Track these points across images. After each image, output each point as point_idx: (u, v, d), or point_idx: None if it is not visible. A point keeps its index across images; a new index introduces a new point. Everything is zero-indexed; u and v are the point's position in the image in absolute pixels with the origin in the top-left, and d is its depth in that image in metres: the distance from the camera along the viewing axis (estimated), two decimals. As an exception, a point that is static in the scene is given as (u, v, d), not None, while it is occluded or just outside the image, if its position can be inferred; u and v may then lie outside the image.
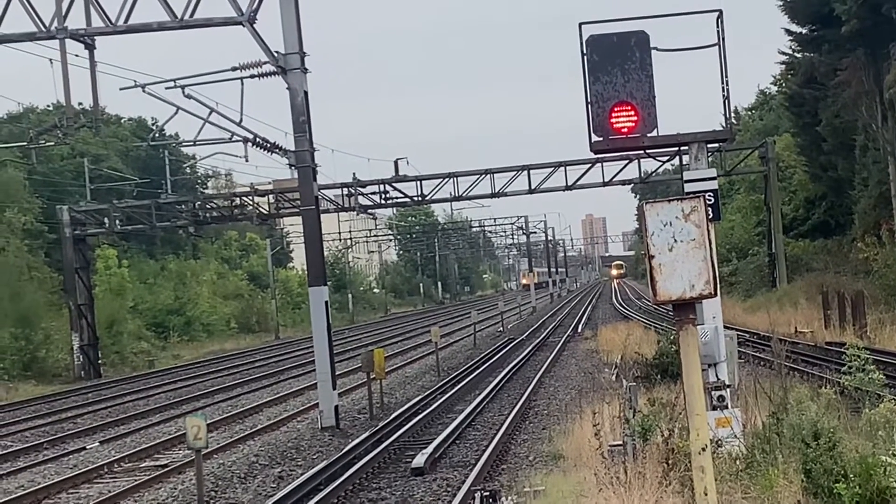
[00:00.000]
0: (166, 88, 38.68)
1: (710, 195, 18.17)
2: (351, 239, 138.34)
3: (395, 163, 70.63)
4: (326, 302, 35.53)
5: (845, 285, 54.25)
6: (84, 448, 34.89)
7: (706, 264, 9.57)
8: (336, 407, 34.88)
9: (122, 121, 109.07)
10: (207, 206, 76.45)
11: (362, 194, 71.45)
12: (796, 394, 14.95)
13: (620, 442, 18.15)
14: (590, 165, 68.89)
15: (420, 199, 72.95)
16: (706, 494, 9.89)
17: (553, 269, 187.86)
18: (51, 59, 40.90)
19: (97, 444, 35.72)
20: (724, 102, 19.13)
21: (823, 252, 74.84)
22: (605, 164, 68.82)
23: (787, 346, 37.53)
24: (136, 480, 27.51)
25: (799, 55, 74.70)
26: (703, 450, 9.81)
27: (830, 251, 73.54)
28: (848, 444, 12.28)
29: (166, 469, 28.73)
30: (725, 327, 22.64)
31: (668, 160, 68.74)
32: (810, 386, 22.16)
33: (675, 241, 9.53)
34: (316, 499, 22.37)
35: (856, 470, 11.82)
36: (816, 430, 12.03)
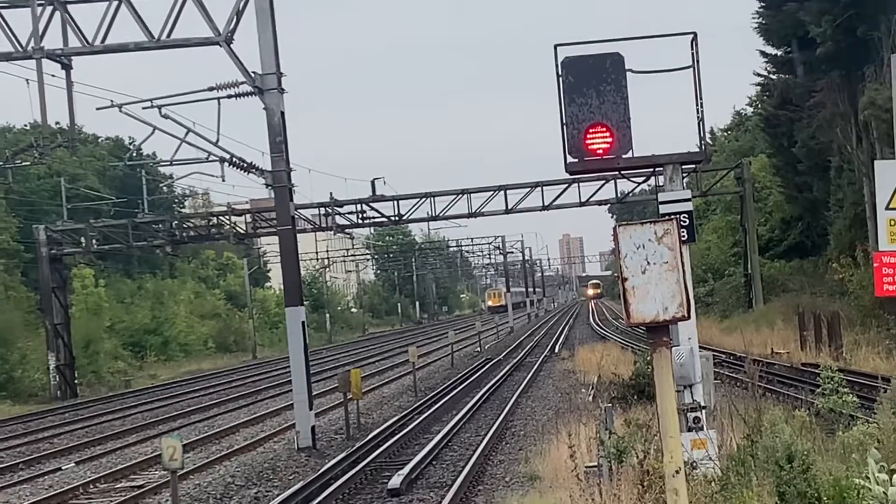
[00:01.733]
0: (143, 108, 38.61)
1: (685, 216, 18.25)
2: (328, 258, 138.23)
3: (372, 183, 70.76)
4: (303, 322, 35.50)
5: (821, 306, 54.42)
6: (60, 469, 34.79)
7: (679, 287, 9.59)
8: (313, 427, 34.83)
9: (99, 140, 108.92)
10: (184, 226, 76.35)
11: (339, 214, 71.44)
12: (770, 416, 14.98)
13: (596, 463, 18.18)
14: (566, 186, 69.02)
15: (397, 218, 72.98)
16: (680, 516, 9.89)
17: (531, 289, 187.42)
18: (27, 79, 40.83)
19: (73, 464, 35.61)
20: (699, 124, 19.20)
21: (799, 273, 75.07)
22: (581, 184, 69.01)
23: (762, 367, 37.66)
24: (111, 501, 27.43)
25: (774, 77, 75.06)
26: (677, 472, 9.82)
27: (806, 272, 73.77)
28: (822, 467, 12.31)
29: (142, 490, 28.65)
30: (701, 348, 22.69)
31: (643, 181, 68.92)
32: (785, 408, 22.22)
33: (649, 263, 9.55)
34: (292, 520, 22.33)
35: (829, 493, 11.86)
36: (790, 452, 12.06)
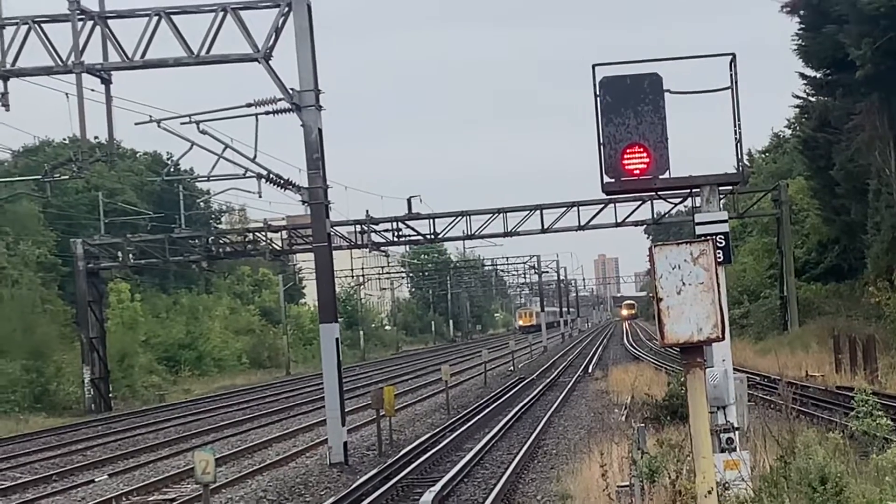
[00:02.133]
0: (181, 124, 38.87)
1: (720, 238, 18.21)
2: (363, 276, 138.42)
3: (409, 200, 70.87)
4: (337, 339, 35.57)
5: (857, 329, 54.16)
6: (93, 481, 34.93)
7: (714, 307, 9.60)
8: (345, 443, 34.88)
9: (138, 155, 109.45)
10: (221, 241, 76.61)
11: (375, 231, 71.57)
12: (804, 437, 14.95)
13: (628, 483, 18.16)
14: (602, 206, 68.98)
15: (433, 236, 73.05)
16: (712, 537, 9.89)
17: (564, 309, 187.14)
18: (67, 93, 41.15)
19: (106, 476, 35.76)
20: (737, 145, 19.16)
21: (835, 296, 74.76)
22: (617, 204, 68.89)
23: (797, 390, 37.51)
24: (144, 514, 27.52)
25: (813, 99, 74.88)
26: (710, 493, 9.83)
27: (842, 295, 73.45)
28: (855, 489, 12.27)
29: (174, 503, 28.72)
30: (736, 370, 22.63)
31: (680, 202, 68.81)
32: (819, 430, 22.15)
33: (684, 283, 9.57)
34: (323, 535, 22.36)
35: (862, 515, 11.83)
36: (824, 474, 12.04)
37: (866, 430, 21.23)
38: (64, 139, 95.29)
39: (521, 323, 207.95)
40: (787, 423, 17.33)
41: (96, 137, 64.75)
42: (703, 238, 10.52)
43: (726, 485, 15.73)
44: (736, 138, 19.05)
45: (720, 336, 9.66)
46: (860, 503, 12.00)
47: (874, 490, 12.61)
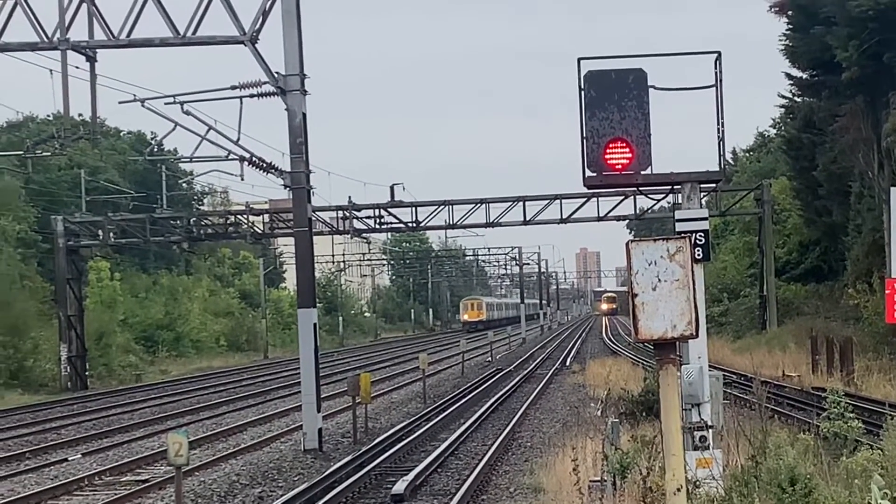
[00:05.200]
0: (165, 104, 38.67)
1: (700, 235, 18.24)
2: (344, 262, 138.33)
3: (391, 188, 70.76)
4: (315, 324, 35.52)
5: (835, 331, 54.30)
6: (66, 459, 34.84)
7: (689, 305, 9.58)
8: (320, 430, 34.86)
9: (121, 134, 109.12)
10: (202, 223, 76.47)
11: (357, 218, 71.51)
12: (775, 438, 14.96)
13: (600, 478, 18.17)
14: (585, 200, 69.00)
15: (414, 225, 73.03)
16: (680, 535, 9.88)
17: (545, 301, 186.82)
18: (51, 70, 40.94)
19: (79, 456, 35.66)
20: (720, 143, 19.19)
21: (815, 297, 74.93)
22: (600, 199, 68.90)
23: (772, 390, 37.61)
24: (115, 494, 27.44)
25: (798, 99, 74.99)
26: (679, 490, 9.81)
27: (822, 296, 73.62)
28: (824, 491, 12.27)
29: (147, 484, 28.68)
30: (713, 367, 22.66)
31: (662, 198, 68.84)
32: (792, 430, 22.19)
33: (659, 280, 9.54)
34: (294, 521, 22.35)
35: (831, 517, 11.84)
36: (793, 475, 12.04)
37: (837, 431, 21.26)
38: (47, 116, 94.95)
39: (466, 317, 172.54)
40: (761, 423, 17.34)
41: (80, 115, 64.41)
42: (680, 235, 10.51)
43: (697, 483, 15.75)
44: (719, 136, 19.08)
45: (694, 333, 9.65)
46: (829, 505, 12.01)
47: (843, 493, 12.62)
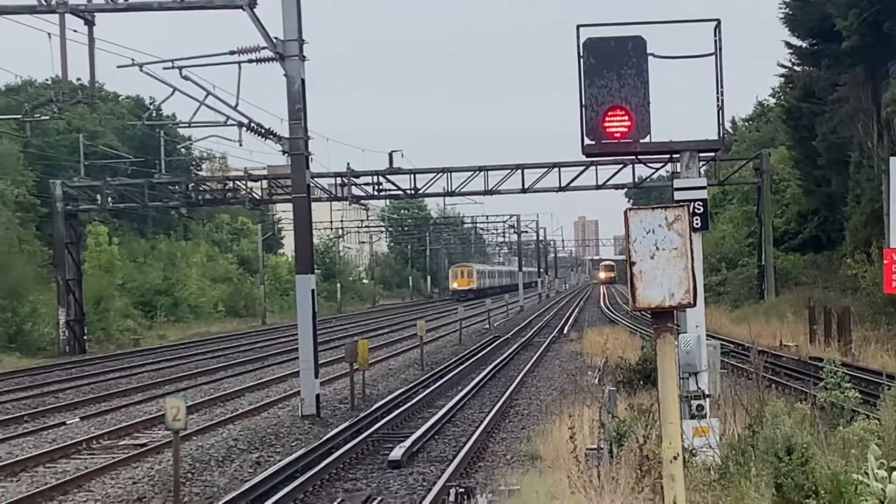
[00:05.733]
0: (164, 69, 38.64)
1: (699, 204, 18.24)
2: (342, 228, 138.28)
3: (390, 155, 70.66)
4: (313, 290, 35.56)
5: (832, 301, 54.34)
6: (64, 423, 34.92)
7: (687, 273, 9.58)
8: (317, 396, 34.95)
9: (120, 98, 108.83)
10: (200, 188, 76.49)
11: (356, 185, 71.43)
12: (772, 407, 14.98)
13: (596, 446, 18.21)
14: (584, 168, 68.94)
15: (413, 192, 72.96)
16: (676, 503, 9.91)
17: (542, 270, 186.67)
18: (49, 34, 40.87)
19: (77, 419, 35.76)
20: (719, 112, 19.16)
21: (813, 267, 74.95)
22: (599, 167, 68.84)
23: (770, 359, 37.64)
24: (113, 458, 27.53)
25: (798, 69, 74.80)
26: (675, 458, 9.83)
27: (820, 266, 73.65)
28: (821, 461, 12.27)
29: (144, 448, 28.76)
30: (710, 336, 22.68)
31: (661, 167, 68.79)
32: (788, 400, 22.22)
33: (657, 248, 9.54)
34: (291, 486, 22.43)
35: (827, 487, 11.83)
36: (790, 444, 12.03)
37: (834, 401, 21.31)
38: (46, 80, 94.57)
39: (455, 286, 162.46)
40: (758, 392, 17.37)
41: (78, 79, 64.17)
42: (678, 204, 10.50)
43: (694, 451, 15.79)
44: (718, 105, 19.06)
45: (692, 302, 9.65)
46: (825, 474, 12.01)
47: (840, 462, 12.63)
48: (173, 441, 21.86)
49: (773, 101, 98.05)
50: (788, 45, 71.43)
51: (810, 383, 30.68)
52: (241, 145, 43.53)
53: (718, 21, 18.50)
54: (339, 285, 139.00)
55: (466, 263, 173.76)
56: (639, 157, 23.31)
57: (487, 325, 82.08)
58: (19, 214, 79.32)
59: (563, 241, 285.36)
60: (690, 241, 9.62)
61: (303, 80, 35.40)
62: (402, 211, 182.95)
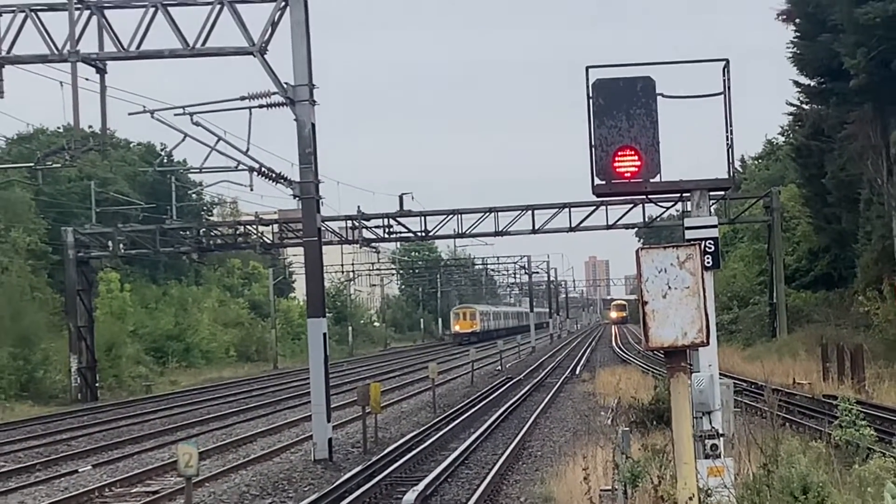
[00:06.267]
0: (175, 115, 38.75)
1: (710, 243, 18.20)
2: (353, 271, 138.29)
3: (400, 198, 70.76)
4: (324, 334, 35.53)
5: (845, 338, 54.19)
6: (76, 471, 34.86)
7: (699, 312, 9.58)
8: (330, 440, 34.87)
9: (131, 145, 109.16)
10: (212, 234, 76.64)
11: (366, 227, 71.52)
12: (787, 446, 14.92)
13: (611, 487, 18.13)
14: (594, 208, 68.97)
15: (423, 234, 72.99)
16: (692, 543, 9.88)
17: (554, 310, 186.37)
18: (61, 82, 41.03)
19: (90, 467, 35.69)
20: (728, 151, 19.14)
21: (825, 304, 74.82)
22: (609, 207, 68.90)
23: (783, 397, 37.52)
24: (126, 505, 27.47)
25: (807, 107, 74.90)
26: (691, 499, 9.81)
27: (832, 303, 73.52)
28: (837, 499, 12.24)
29: (157, 496, 28.69)
30: (723, 375, 22.60)
31: (671, 206, 68.84)
32: (803, 438, 22.14)
33: (670, 287, 9.54)
34: (305, 531, 22.35)
35: (843, 525, 11.80)
36: (806, 483, 12.01)
37: (849, 439, 21.22)
38: (58, 127, 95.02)
39: (456, 328, 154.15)
40: (772, 431, 17.30)
41: (90, 126, 64.44)
42: (690, 242, 10.50)
43: (709, 491, 15.70)
44: (728, 144, 19.03)
45: (705, 341, 9.64)
46: (841, 513, 11.97)
47: (856, 501, 12.59)
48: (186, 488, 21.80)
49: (783, 139, 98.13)
50: (797, 83, 71.52)
51: (825, 421, 30.60)
52: (251, 190, 43.61)
53: (727, 61, 18.50)
54: (350, 328, 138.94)
55: (468, 305, 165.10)
56: (649, 196, 23.31)
57: (499, 367, 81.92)
58: (31, 262, 79.48)
59: (573, 281, 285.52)
60: (702, 279, 9.62)
61: (313, 125, 35.50)
62: (413, 253, 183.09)
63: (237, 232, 75.64)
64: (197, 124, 38.78)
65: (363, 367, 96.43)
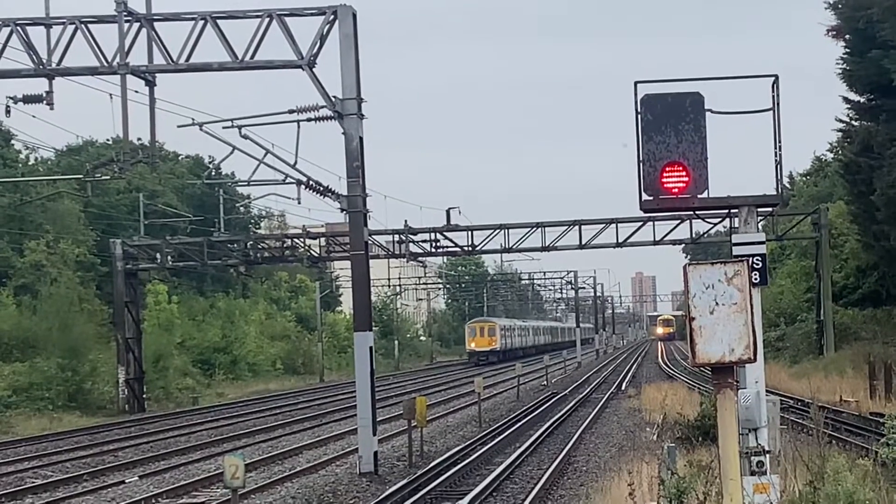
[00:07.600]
0: (223, 128, 38.88)
1: (757, 259, 18.14)
2: (400, 285, 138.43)
3: (447, 212, 70.83)
4: (371, 347, 35.61)
5: (893, 356, 53.84)
6: (123, 482, 35.06)
7: (747, 329, 9.57)
8: (375, 453, 34.91)
9: (179, 158, 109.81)
10: (259, 246, 76.87)
11: (413, 241, 71.60)
12: (834, 463, 14.86)
13: (656, 503, 18.08)
14: (641, 223, 68.85)
15: (470, 249, 73.03)
16: (737, 559, 9.86)
17: (600, 326, 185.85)
18: (111, 94, 41.28)
19: (136, 478, 35.89)
20: (777, 167, 19.08)
21: (872, 321, 74.34)
22: (656, 222, 68.74)
23: (830, 415, 37.31)
24: (172, 516, 27.61)
25: (856, 123, 74.49)
26: (736, 515, 9.79)
27: (879, 321, 73.03)
28: (884, 517, 12.20)
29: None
30: (769, 392, 22.51)
31: (719, 222, 68.56)
32: (850, 456, 22.02)
33: (717, 304, 9.54)
34: (350, 544, 22.40)
35: (890, 543, 11.75)
36: (852, 501, 11.97)
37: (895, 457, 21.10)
38: (107, 140, 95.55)
39: (472, 346, 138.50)
40: (819, 448, 17.23)
41: (139, 139, 64.88)
42: (738, 259, 10.49)
43: (755, 508, 15.64)
44: (776, 160, 18.98)
45: (752, 357, 9.63)
46: (889, 531, 11.93)
47: (903, 518, 12.53)
48: (232, 499, 21.90)
49: (831, 155, 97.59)
50: (846, 99, 71.15)
51: (871, 439, 30.40)
52: (299, 203, 43.63)
53: (776, 77, 18.46)
54: (396, 342, 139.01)
55: (486, 318, 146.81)
56: (697, 212, 23.21)
57: (545, 382, 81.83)
58: (80, 273, 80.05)
59: (620, 296, 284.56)
60: (750, 295, 9.61)
61: (361, 138, 35.62)
62: (460, 268, 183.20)
63: (284, 245, 75.86)
64: (245, 137, 38.90)
65: (409, 380, 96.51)
